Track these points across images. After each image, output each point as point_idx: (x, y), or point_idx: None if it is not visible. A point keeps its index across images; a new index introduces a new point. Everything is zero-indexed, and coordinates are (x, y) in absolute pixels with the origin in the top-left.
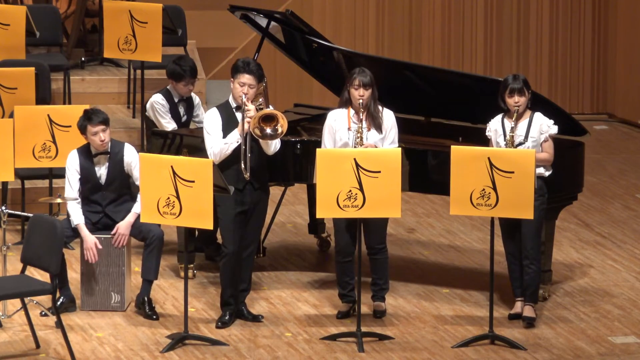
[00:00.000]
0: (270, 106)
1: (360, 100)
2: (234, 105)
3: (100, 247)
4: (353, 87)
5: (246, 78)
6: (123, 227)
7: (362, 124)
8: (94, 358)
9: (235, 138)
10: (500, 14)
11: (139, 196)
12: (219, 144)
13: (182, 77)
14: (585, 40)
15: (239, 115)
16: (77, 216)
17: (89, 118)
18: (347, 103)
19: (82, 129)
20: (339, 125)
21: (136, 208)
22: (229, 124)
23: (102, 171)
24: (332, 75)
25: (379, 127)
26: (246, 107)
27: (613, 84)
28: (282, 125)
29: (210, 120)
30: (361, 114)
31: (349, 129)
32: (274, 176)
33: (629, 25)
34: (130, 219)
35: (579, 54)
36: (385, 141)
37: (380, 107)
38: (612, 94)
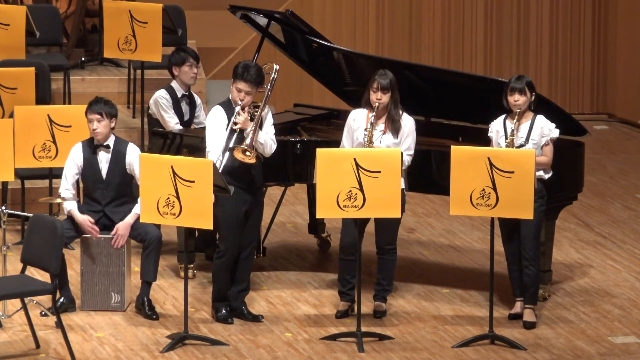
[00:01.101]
0: (268, 108)
1: (377, 104)
2: (234, 104)
3: (93, 220)
4: (372, 89)
5: (242, 85)
6: (122, 227)
7: (373, 127)
8: (94, 358)
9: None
10: (500, 14)
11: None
12: (218, 153)
13: (186, 59)
14: (585, 40)
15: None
16: (69, 203)
17: (90, 104)
18: (367, 103)
19: (85, 113)
20: (357, 124)
21: (137, 209)
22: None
23: (103, 164)
24: (332, 75)
25: (396, 132)
26: (237, 115)
27: (613, 84)
28: (248, 157)
29: (214, 118)
30: (374, 117)
31: (366, 129)
32: (274, 176)
33: (629, 25)
34: (129, 219)
35: (579, 54)
36: (401, 147)
37: (400, 112)
38: (612, 94)
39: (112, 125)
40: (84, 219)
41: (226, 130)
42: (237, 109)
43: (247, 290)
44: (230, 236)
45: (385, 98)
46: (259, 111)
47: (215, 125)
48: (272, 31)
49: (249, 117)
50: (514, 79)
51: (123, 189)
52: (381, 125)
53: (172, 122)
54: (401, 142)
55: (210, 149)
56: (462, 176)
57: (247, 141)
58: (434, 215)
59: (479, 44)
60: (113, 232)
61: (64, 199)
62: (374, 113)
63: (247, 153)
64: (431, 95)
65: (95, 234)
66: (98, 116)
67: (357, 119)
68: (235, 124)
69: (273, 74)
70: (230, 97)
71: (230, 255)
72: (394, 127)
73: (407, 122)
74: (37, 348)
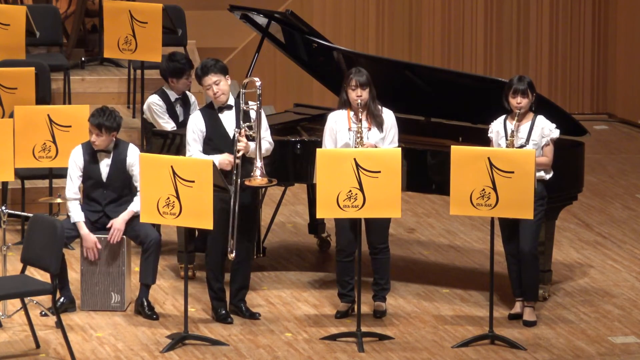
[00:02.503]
0: (262, 110)
1: (359, 101)
2: (216, 106)
3: (100, 246)
4: (350, 87)
5: (207, 79)
6: (118, 222)
7: (361, 124)
8: (94, 358)
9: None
10: (500, 14)
11: (136, 198)
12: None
13: (183, 72)
14: (585, 40)
15: (222, 116)
16: (76, 213)
17: (92, 114)
18: (345, 104)
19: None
20: (339, 126)
21: (133, 206)
22: (214, 127)
23: (103, 167)
24: (332, 75)
25: (380, 126)
26: (238, 141)
27: (613, 84)
28: (262, 181)
29: (191, 125)
30: (360, 114)
31: (349, 129)
32: (274, 176)
33: (629, 25)
34: (125, 215)
35: (579, 54)
36: (385, 141)
37: (380, 106)
38: (612, 94)
39: (113, 138)
40: (92, 242)
41: (203, 133)
42: (237, 135)
43: (247, 288)
44: (216, 235)
45: (365, 94)
46: (257, 133)
47: (191, 134)
48: (272, 31)
49: (246, 141)
50: (516, 80)
51: (124, 190)
52: (364, 122)
53: (168, 127)
54: (386, 136)
55: (186, 156)
56: (462, 176)
57: (258, 172)
58: (434, 215)
59: (479, 44)
60: (108, 226)
61: (66, 198)
62: (362, 111)
63: (262, 180)
64: (431, 95)
65: (94, 258)
66: (97, 130)
67: (338, 121)
68: (238, 151)
69: (258, 89)
70: (212, 101)
71: (215, 254)
72: (377, 122)
73: (389, 115)
74: (37, 348)
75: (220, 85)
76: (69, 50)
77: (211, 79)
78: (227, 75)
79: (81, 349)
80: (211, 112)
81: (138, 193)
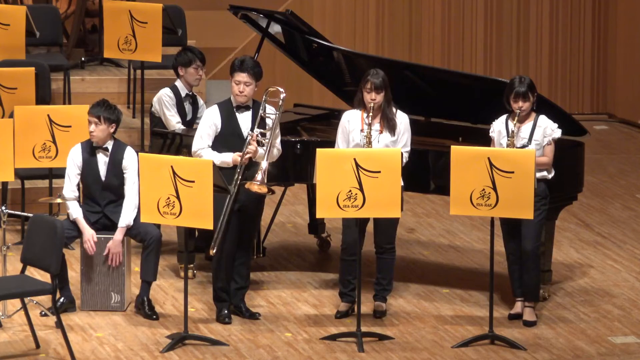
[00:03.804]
0: (276, 115)
1: (372, 104)
2: (234, 104)
3: (95, 239)
4: (365, 89)
5: (241, 76)
6: (114, 246)
7: (371, 128)
8: (94, 358)
9: (226, 163)
10: (500, 14)
11: (123, 208)
12: (209, 155)
13: (193, 61)
14: (585, 40)
15: (239, 115)
16: (75, 210)
17: (92, 105)
18: (360, 104)
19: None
20: (352, 126)
21: (121, 222)
22: (228, 122)
23: (101, 166)
24: (332, 75)
25: (392, 130)
26: (249, 144)
27: (613, 84)
28: (261, 189)
29: (206, 117)
30: (373, 116)
31: (361, 130)
32: (274, 176)
33: (629, 25)
34: (118, 236)
35: (579, 54)
36: (398, 145)
37: (394, 109)
38: (612, 94)
39: (111, 130)
40: (90, 234)
41: (217, 129)
42: (249, 139)
43: (246, 288)
44: (225, 234)
45: (380, 97)
46: (269, 141)
47: (205, 128)
48: (272, 31)
49: (257, 146)
50: (517, 83)
51: (122, 190)
52: (377, 125)
53: (174, 121)
54: (398, 140)
55: (195, 148)
56: (462, 176)
57: (259, 177)
58: (434, 215)
59: (479, 44)
60: (105, 253)
61: (65, 199)
62: (371, 114)
63: (261, 186)
64: (431, 95)
65: (92, 251)
66: (95, 119)
67: (352, 120)
68: (246, 154)
69: (280, 101)
70: (231, 97)
71: (221, 254)
72: (390, 126)
73: (402, 119)
74: (37, 348)
75: (247, 87)
76: (69, 50)
77: (244, 78)
78: (259, 83)
79: (81, 349)
80: (229, 109)
81: (127, 201)
